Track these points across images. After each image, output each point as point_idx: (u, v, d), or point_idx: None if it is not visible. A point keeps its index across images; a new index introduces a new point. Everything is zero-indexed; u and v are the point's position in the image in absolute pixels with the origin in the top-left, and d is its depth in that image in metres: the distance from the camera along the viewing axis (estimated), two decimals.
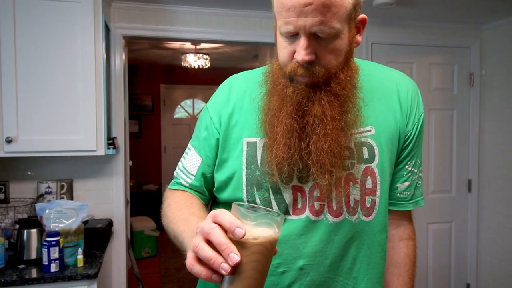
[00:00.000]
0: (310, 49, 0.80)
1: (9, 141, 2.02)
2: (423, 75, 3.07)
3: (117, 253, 2.59)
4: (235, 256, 0.59)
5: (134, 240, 4.74)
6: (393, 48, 3.01)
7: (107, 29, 2.41)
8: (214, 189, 1.01)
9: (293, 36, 0.82)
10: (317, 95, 0.85)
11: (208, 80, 6.25)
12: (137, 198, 5.26)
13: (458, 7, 2.70)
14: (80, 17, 2.12)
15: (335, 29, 0.80)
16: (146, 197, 5.57)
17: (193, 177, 1.01)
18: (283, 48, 0.85)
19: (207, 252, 0.60)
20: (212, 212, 0.64)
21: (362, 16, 0.89)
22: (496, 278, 3.08)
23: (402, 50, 3.03)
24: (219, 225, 0.62)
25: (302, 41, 0.80)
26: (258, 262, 0.62)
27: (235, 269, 0.60)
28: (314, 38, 0.80)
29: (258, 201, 0.92)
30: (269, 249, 0.63)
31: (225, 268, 0.59)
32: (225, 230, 0.61)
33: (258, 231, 0.62)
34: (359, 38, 0.91)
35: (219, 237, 0.60)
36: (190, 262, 0.63)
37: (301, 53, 0.80)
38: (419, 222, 3.09)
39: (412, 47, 3.05)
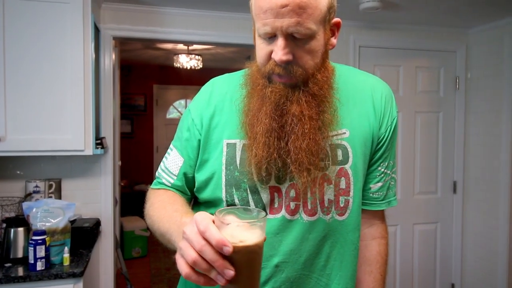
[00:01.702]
0: (288, 49, 0.84)
1: None
2: (409, 78, 3.12)
3: (105, 252, 2.61)
4: (229, 272, 0.62)
5: (124, 240, 4.74)
6: (380, 52, 3.06)
7: (97, 30, 2.43)
8: (195, 189, 1.03)
9: (271, 38, 0.85)
10: (295, 95, 0.88)
11: (201, 80, 6.15)
12: (129, 198, 5.26)
13: (444, 12, 2.75)
14: (69, 18, 2.14)
15: (311, 30, 0.83)
16: (137, 197, 5.56)
17: (175, 177, 1.03)
18: (261, 49, 0.88)
19: (205, 266, 0.63)
20: (196, 218, 0.65)
21: (336, 19, 0.93)
22: (480, 278, 3.13)
23: (389, 54, 3.07)
24: (207, 240, 0.63)
25: (280, 42, 0.83)
26: (250, 267, 0.66)
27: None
28: (291, 39, 0.84)
29: (236, 200, 0.94)
30: (258, 252, 0.66)
31: (221, 281, 0.63)
32: None
33: (244, 236, 0.65)
34: (334, 40, 0.95)
35: (210, 255, 0.62)
36: (187, 271, 0.65)
37: (279, 53, 0.83)
38: (405, 223, 3.16)
39: (399, 51, 3.09)
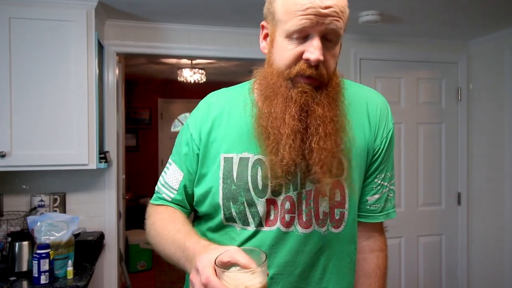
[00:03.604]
0: (322, 50, 0.85)
1: (2, 155, 2.07)
2: (411, 90, 3.13)
3: (109, 265, 2.61)
4: None
5: (129, 253, 4.74)
6: (381, 64, 3.08)
7: (100, 46, 2.47)
8: (194, 202, 1.05)
9: (301, 38, 0.86)
10: (318, 97, 0.89)
11: (204, 94, 6.01)
12: (134, 211, 5.27)
13: (444, 23, 2.77)
14: (74, 35, 2.19)
15: (341, 35, 0.87)
16: (142, 210, 5.51)
17: (175, 192, 1.03)
18: (288, 50, 0.87)
19: None
20: (198, 267, 0.69)
21: None
22: None
23: (390, 66, 3.09)
24: None
25: (316, 42, 0.85)
26: None
27: None
28: (322, 40, 0.86)
29: (234, 213, 0.95)
30: None
31: None
32: None
33: (248, 282, 0.66)
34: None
35: None
36: None
37: (316, 53, 0.84)
38: (409, 235, 3.14)
39: (400, 63, 3.11)
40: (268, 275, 0.70)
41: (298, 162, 0.88)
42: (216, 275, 0.67)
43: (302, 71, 0.86)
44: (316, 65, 0.85)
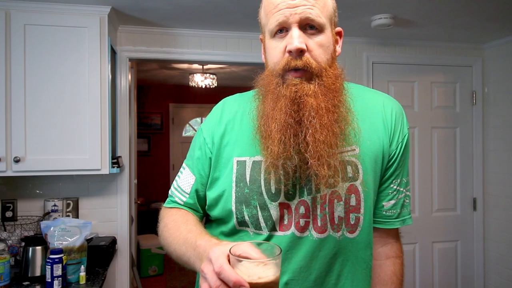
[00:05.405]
0: (302, 39, 0.87)
1: (17, 160, 2.09)
2: (425, 94, 3.10)
3: (121, 270, 2.62)
4: None
5: (141, 258, 4.75)
6: (394, 68, 3.05)
7: (113, 52, 2.49)
8: (206, 206, 1.04)
9: (283, 32, 0.89)
10: (311, 89, 0.89)
11: (216, 98, 6.22)
12: (146, 216, 5.29)
13: (458, 27, 2.73)
14: (87, 42, 2.21)
15: (322, 20, 0.88)
16: (154, 215, 5.57)
17: (187, 195, 1.04)
18: (274, 48, 0.91)
19: None
20: (211, 257, 0.67)
21: (339, 28, 0.98)
22: None
23: (403, 69, 3.06)
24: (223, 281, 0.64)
25: (294, 32, 0.87)
26: None
27: None
28: (303, 30, 0.88)
29: (246, 217, 0.95)
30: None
31: None
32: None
33: (261, 273, 0.65)
34: (338, 48, 0.98)
35: None
36: None
37: (294, 42, 0.86)
38: (424, 241, 3.08)
39: (413, 66, 3.08)
40: (280, 270, 0.69)
41: (289, 156, 0.87)
42: (230, 265, 0.66)
43: (287, 64, 0.88)
44: (300, 55, 0.87)
